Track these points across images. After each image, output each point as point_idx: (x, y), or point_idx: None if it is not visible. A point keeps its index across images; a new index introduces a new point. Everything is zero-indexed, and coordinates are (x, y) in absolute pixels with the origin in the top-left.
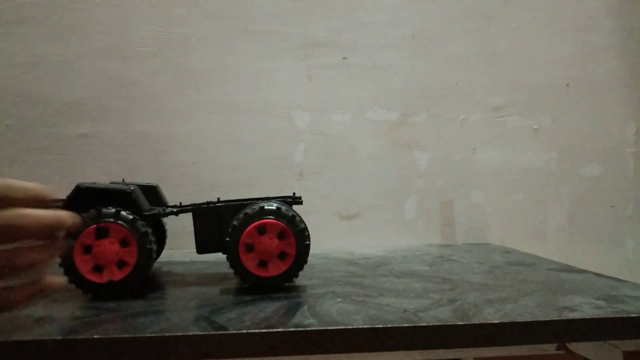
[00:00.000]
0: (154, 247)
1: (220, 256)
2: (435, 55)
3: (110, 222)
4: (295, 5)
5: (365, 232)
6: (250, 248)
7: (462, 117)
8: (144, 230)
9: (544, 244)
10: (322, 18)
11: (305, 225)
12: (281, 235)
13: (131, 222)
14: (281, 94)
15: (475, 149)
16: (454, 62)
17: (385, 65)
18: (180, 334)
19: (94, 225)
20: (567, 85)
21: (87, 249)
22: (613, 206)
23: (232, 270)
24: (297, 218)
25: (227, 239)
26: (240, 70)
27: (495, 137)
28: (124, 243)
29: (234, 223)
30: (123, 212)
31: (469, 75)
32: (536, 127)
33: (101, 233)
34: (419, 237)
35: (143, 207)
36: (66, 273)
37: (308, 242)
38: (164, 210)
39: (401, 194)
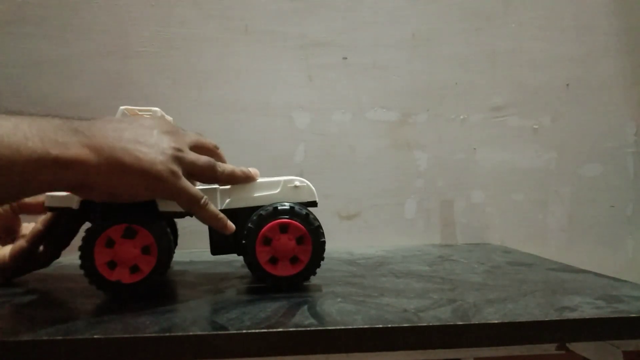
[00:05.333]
0: (170, 262)
1: (220, 256)
2: (435, 55)
3: (141, 225)
4: (295, 5)
5: (365, 232)
6: (267, 242)
7: (462, 117)
8: (168, 245)
9: (544, 244)
10: (322, 18)
11: (324, 239)
12: (300, 240)
13: (162, 234)
14: (281, 94)
15: (475, 149)
16: (454, 62)
17: (385, 65)
18: (180, 334)
19: (126, 224)
20: (567, 85)
21: (110, 243)
22: (613, 206)
23: (231, 271)
24: (321, 230)
25: (249, 225)
26: (240, 70)
27: (495, 137)
28: (145, 250)
29: (261, 212)
30: (158, 221)
31: (469, 75)
32: (536, 127)
33: (128, 233)
34: (418, 237)
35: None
36: (81, 257)
37: (322, 257)
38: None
39: (401, 194)
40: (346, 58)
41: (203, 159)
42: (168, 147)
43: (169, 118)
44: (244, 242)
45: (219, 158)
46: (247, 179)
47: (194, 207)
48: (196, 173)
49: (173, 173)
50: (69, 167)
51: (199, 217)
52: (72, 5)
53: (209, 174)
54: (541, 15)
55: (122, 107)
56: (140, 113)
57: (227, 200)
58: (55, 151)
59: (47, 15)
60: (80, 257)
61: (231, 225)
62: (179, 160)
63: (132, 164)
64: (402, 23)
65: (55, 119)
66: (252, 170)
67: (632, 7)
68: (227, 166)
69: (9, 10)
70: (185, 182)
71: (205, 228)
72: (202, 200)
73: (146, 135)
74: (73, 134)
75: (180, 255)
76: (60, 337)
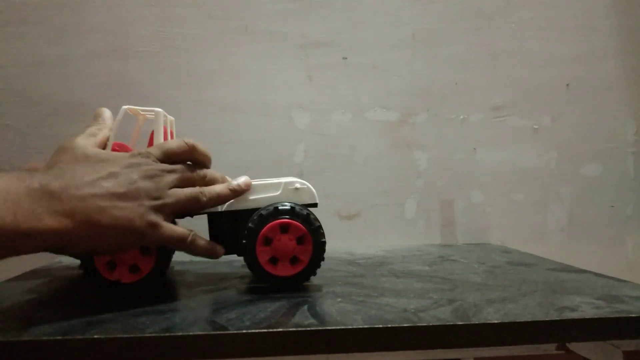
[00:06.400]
0: (170, 262)
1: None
2: (435, 55)
3: None
4: (295, 5)
5: (365, 232)
6: (268, 242)
7: (462, 117)
8: None
9: (544, 244)
10: (322, 18)
11: (325, 240)
12: (300, 240)
13: None
14: (281, 94)
15: (475, 149)
16: (454, 62)
17: (385, 65)
18: (180, 334)
19: None
20: (567, 85)
21: None
22: (613, 206)
23: (231, 271)
24: (322, 230)
25: (249, 225)
26: (240, 70)
27: (495, 137)
28: (143, 249)
29: (261, 212)
30: None
31: (469, 75)
32: (536, 127)
33: None
34: (419, 237)
35: None
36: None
37: (323, 257)
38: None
39: (401, 194)
40: (346, 58)
41: (185, 194)
42: (146, 196)
43: (171, 118)
44: (244, 242)
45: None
46: (236, 194)
47: (182, 247)
48: (180, 211)
49: (153, 225)
50: (42, 237)
51: (190, 253)
52: (72, 5)
53: (193, 206)
54: (541, 15)
55: (124, 107)
56: (142, 113)
57: (228, 202)
58: (26, 225)
59: (47, 15)
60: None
61: (220, 249)
62: (159, 209)
63: (109, 224)
64: (402, 23)
65: (23, 176)
66: (243, 181)
67: (632, 7)
68: (212, 190)
69: (9, 10)
70: (167, 229)
71: (205, 228)
72: (189, 239)
73: (124, 184)
74: (45, 199)
75: (180, 255)
76: (60, 337)
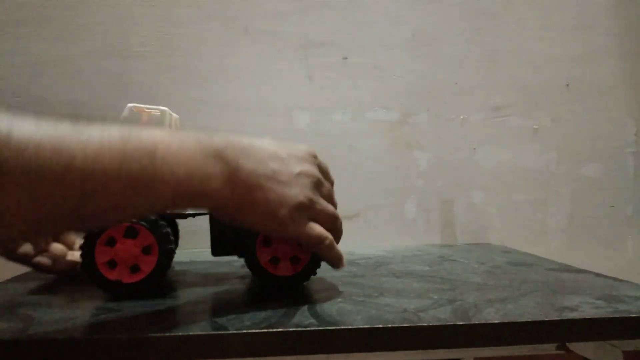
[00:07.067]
0: (171, 262)
1: (220, 257)
2: (435, 55)
3: (143, 225)
4: (295, 5)
5: (365, 232)
6: (267, 242)
7: (462, 117)
8: (170, 246)
9: (544, 244)
10: (322, 18)
11: None
12: None
13: (163, 235)
14: (281, 94)
15: (475, 149)
16: (454, 62)
17: (385, 65)
18: (180, 334)
19: (127, 224)
20: (567, 85)
21: (111, 242)
22: (613, 206)
23: (231, 271)
24: None
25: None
26: (240, 70)
27: (495, 137)
28: (146, 250)
29: None
30: (161, 222)
31: (469, 75)
32: (536, 127)
33: (130, 232)
34: (419, 237)
35: None
36: (82, 255)
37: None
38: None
39: (401, 194)
40: (346, 58)
41: (329, 211)
42: (302, 194)
43: (175, 116)
44: (244, 243)
45: None
46: (334, 260)
47: (315, 248)
48: (317, 220)
49: (294, 220)
50: (203, 199)
51: (322, 255)
52: (72, 5)
53: (328, 226)
54: (541, 15)
55: (130, 105)
56: (147, 111)
57: None
58: (197, 187)
59: (47, 15)
60: (81, 256)
61: (344, 261)
62: (306, 209)
63: (259, 204)
64: (402, 23)
65: (200, 137)
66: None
67: (632, 7)
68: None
69: (9, 10)
70: (306, 227)
71: (206, 228)
72: (327, 242)
73: (286, 173)
74: (219, 161)
75: (181, 255)
76: (60, 337)
